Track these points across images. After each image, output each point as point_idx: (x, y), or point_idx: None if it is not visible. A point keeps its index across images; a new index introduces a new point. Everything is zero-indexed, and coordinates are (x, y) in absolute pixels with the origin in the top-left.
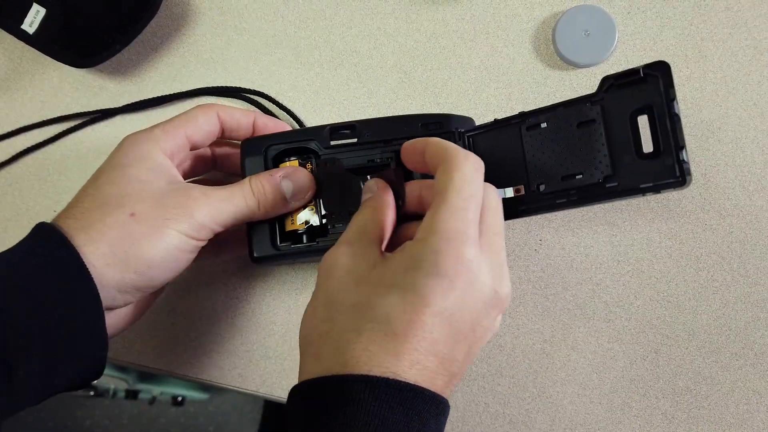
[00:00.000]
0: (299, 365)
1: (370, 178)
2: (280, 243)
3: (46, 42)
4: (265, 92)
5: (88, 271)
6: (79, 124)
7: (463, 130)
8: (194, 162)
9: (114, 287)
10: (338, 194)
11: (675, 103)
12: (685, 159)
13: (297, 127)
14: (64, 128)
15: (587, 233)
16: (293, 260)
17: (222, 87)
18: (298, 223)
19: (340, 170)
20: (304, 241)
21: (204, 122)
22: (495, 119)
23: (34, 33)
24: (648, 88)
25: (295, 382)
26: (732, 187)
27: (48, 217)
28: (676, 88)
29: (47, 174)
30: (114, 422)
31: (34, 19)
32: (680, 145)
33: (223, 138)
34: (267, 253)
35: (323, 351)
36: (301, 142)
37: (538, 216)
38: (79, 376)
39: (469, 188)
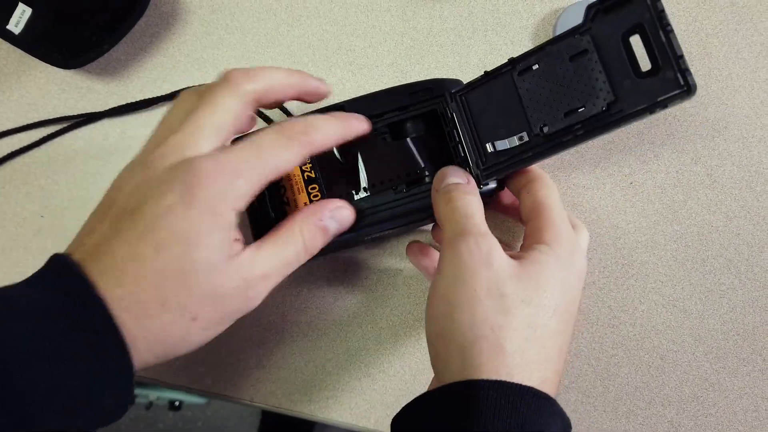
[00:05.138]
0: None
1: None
2: None
3: (32, 42)
4: None
5: (129, 354)
6: (65, 128)
7: (453, 91)
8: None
9: (141, 365)
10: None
11: (665, 14)
12: (687, 67)
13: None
14: (51, 131)
15: (590, 235)
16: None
17: None
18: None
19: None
20: None
21: (293, 164)
22: (485, 71)
23: (20, 33)
24: (634, 6)
25: (289, 390)
26: (739, 188)
27: (34, 223)
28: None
29: (34, 178)
30: (111, 427)
31: (20, 19)
32: (678, 55)
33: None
34: None
35: (506, 344)
36: None
37: None
38: (97, 422)
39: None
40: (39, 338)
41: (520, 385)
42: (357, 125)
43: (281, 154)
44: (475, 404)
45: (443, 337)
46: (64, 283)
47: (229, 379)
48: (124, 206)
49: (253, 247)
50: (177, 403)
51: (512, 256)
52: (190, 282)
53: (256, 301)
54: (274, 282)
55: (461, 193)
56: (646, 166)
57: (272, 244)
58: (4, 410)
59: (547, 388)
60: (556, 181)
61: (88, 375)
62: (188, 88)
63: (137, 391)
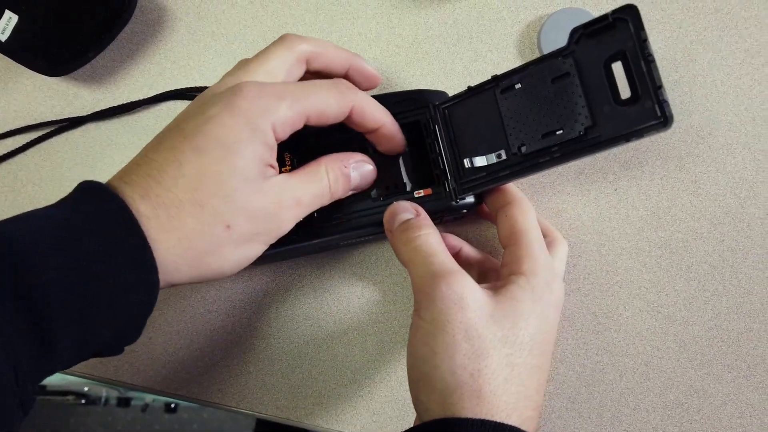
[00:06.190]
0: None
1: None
2: None
3: (18, 50)
4: None
5: (155, 265)
6: (49, 132)
7: (437, 103)
8: None
9: (171, 282)
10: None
11: (647, 44)
12: (665, 98)
13: None
14: (34, 137)
15: (574, 242)
16: (294, 256)
17: (195, 88)
18: None
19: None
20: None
21: (335, 111)
22: (468, 86)
23: (6, 41)
24: (618, 33)
25: (275, 396)
26: (723, 195)
27: None
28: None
29: (21, 185)
30: (108, 429)
31: (6, 26)
32: (657, 85)
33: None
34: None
35: (485, 388)
36: None
37: None
38: (116, 341)
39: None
40: (54, 244)
41: (502, 423)
42: (399, 136)
43: (323, 94)
44: None
45: (424, 382)
46: (84, 195)
47: (215, 385)
48: (173, 124)
49: (284, 175)
50: (173, 406)
51: (488, 287)
52: (227, 187)
53: (286, 225)
54: (303, 211)
55: (416, 230)
56: (630, 173)
57: (301, 176)
58: (23, 322)
59: (527, 426)
60: (540, 188)
61: (108, 273)
62: (177, 89)
63: (133, 393)
